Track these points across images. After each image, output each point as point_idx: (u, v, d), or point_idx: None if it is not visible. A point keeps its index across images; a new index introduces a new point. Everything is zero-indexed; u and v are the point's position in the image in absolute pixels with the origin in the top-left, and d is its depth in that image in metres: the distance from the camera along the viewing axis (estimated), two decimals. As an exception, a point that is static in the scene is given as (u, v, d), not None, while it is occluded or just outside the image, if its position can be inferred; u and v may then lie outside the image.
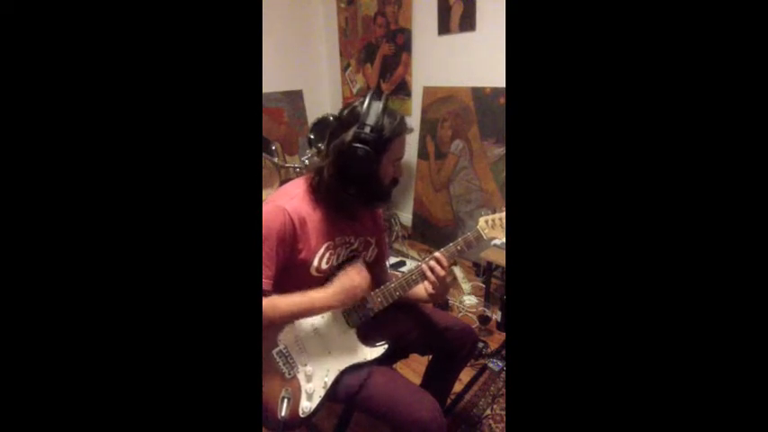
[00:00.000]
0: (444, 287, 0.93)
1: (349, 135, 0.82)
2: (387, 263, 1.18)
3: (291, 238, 0.86)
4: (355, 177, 0.85)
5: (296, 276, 0.90)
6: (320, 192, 0.90)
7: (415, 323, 1.11)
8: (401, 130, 0.87)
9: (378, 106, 0.82)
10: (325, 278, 0.93)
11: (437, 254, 0.91)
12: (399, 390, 0.91)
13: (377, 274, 1.08)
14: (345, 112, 0.86)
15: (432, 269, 0.90)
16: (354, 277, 0.89)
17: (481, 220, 0.93)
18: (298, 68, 3.04)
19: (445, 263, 0.91)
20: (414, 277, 0.93)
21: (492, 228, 0.93)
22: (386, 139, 0.83)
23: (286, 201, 0.87)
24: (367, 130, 0.81)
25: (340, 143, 0.84)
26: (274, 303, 0.85)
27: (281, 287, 0.88)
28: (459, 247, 0.92)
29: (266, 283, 0.83)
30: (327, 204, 0.91)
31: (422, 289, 0.95)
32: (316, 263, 0.90)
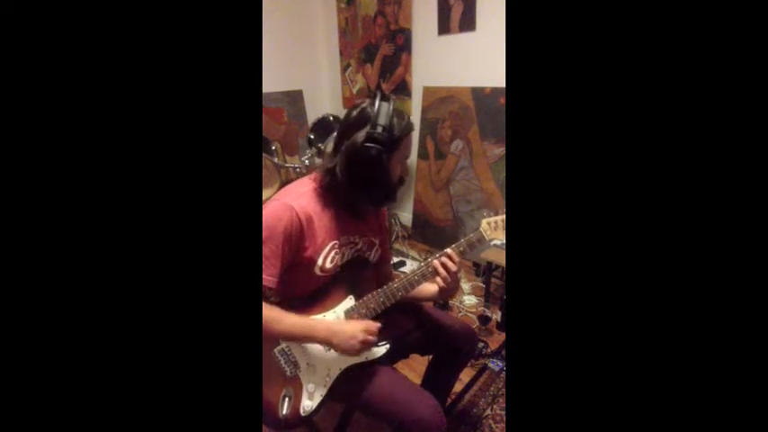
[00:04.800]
0: (456, 283, 0.94)
1: (361, 135, 0.83)
2: (390, 264, 1.18)
3: (298, 235, 0.86)
4: (368, 177, 0.86)
5: (300, 275, 0.90)
6: (330, 191, 0.90)
7: (416, 323, 1.11)
8: (409, 129, 0.88)
9: (387, 107, 0.84)
10: (328, 278, 0.93)
11: (448, 250, 0.92)
12: (400, 389, 0.91)
13: (381, 274, 1.09)
14: (354, 112, 0.87)
15: (444, 265, 0.91)
16: (360, 334, 0.86)
17: (483, 222, 0.94)
18: (298, 68, 3.05)
19: (456, 258, 0.91)
20: (416, 277, 0.93)
21: (494, 229, 0.93)
22: (396, 138, 0.85)
23: (293, 198, 0.88)
24: (379, 129, 0.82)
25: (353, 143, 0.84)
26: (279, 318, 0.85)
27: (286, 285, 0.88)
28: (461, 248, 0.93)
29: (271, 281, 0.84)
30: (335, 203, 0.92)
31: (428, 287, 0.96)
32: (320, 262, 0.90)
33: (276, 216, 0.84)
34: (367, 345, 0.87)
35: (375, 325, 0.89)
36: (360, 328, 0.86)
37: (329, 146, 1.16)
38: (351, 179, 0.87)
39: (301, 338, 0.90)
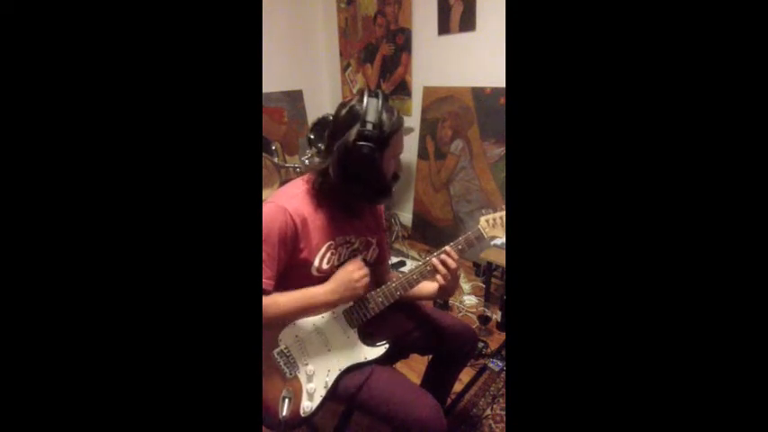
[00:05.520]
0: (456, 280, 0.95)
1: (352, 134, 0.82)
2: (388, 263, 1.18)
3: (293, 237, 0.86)
4: (360, 175, 0.85)
5: (297, 276, 0.90)
6: (324, 191, 0.90)
7: (416, 323, 1.11)
8: (400, 124, 0.88)
9: (376, 103, 0.83)
10: (326, 278, 0.93)
11: (447, 248, 0.92)
12: (400, 389, 0.91)
13: (379, 274, 1.09)
14: (343, 111, 0.86)
15: (443, 262, 0.91)
16: (353, 272, 0.90)
17: (482, 220, 0.94)
18: (298, 68, 3.05)
19: (456, 256, 0.92)
20: (415, 276, 0.93)
21: (493, 227, 0.93)
22: (387, 134, 0.84)
23: (286, 200, 0.87)
24: (369, 127, 0.82)
25: (344, 143, 0.83)
26: (275, 300, 0.85)
27: (283, 288, 0.88)
28: (460, 246, 0.93)
29: (268, 284, 0.84)
30: (329, 204, 0.91)
31: (428, 286, 0.96)
32: (317, 263, 0.90)
33: (270, 219, 0.83)
34: (366, 279, 0.90)
35: (356, 261, 0.92)
36: (349, 271, 0.90)
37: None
38: (344, 179, 0.86)
39: (304, 310, 0.90)
